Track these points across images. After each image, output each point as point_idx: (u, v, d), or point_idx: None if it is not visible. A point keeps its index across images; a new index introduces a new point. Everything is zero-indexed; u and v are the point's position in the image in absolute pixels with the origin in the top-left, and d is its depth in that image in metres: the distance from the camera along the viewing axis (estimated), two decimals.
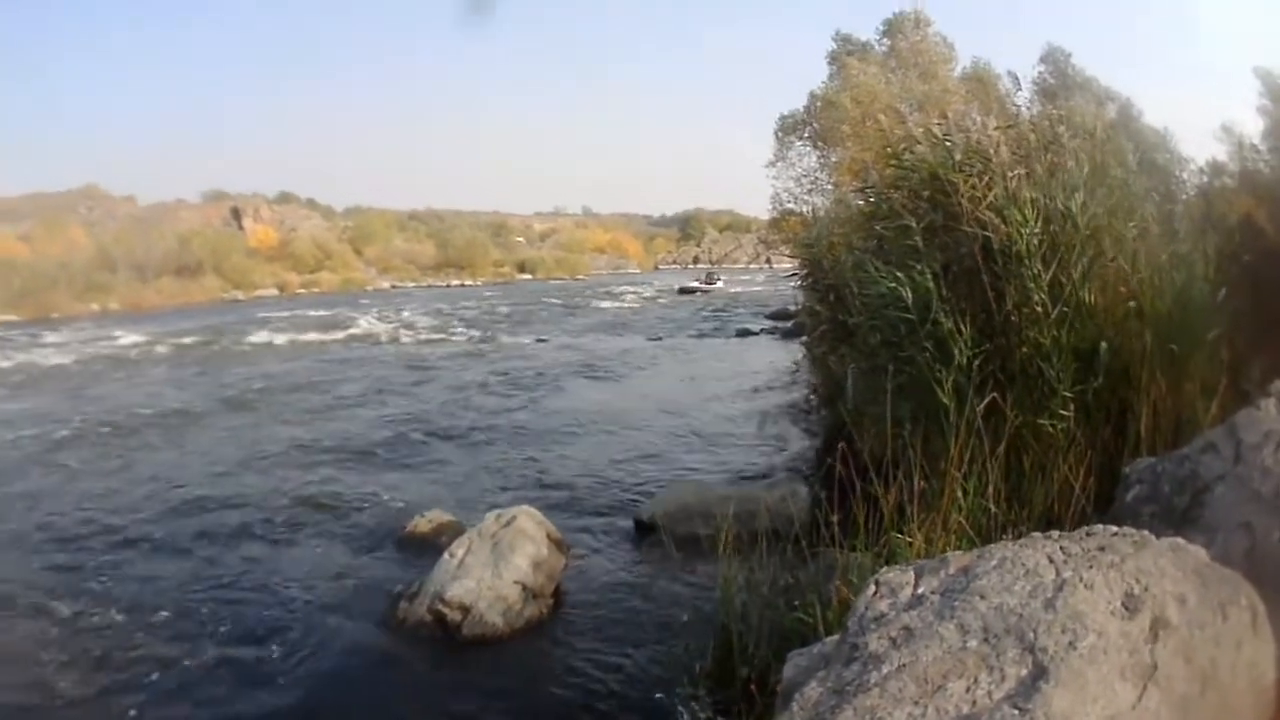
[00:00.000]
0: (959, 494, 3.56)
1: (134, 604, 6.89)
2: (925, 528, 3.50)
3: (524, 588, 6.16)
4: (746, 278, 66.09)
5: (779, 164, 15.17)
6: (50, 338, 32.07)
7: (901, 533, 3.56)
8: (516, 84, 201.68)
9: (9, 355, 26.38)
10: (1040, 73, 12.00)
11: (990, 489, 3.63)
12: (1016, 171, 4.89)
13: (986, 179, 4.88)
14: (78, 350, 27.54)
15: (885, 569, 2.24)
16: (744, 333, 27.67)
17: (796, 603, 3.74)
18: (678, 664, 4.67)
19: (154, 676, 5.73)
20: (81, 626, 6.52)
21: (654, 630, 5.86)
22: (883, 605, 2.09)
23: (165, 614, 6.67)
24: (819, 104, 14.66)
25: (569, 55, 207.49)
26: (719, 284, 53.44)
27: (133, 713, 5.26)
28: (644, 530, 7.83)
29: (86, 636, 6.33)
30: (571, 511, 8.71)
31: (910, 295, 4.78)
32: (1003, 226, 4.65)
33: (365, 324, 33.35)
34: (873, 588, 2.17)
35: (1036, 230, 4.58)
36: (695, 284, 53.13)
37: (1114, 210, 4.76)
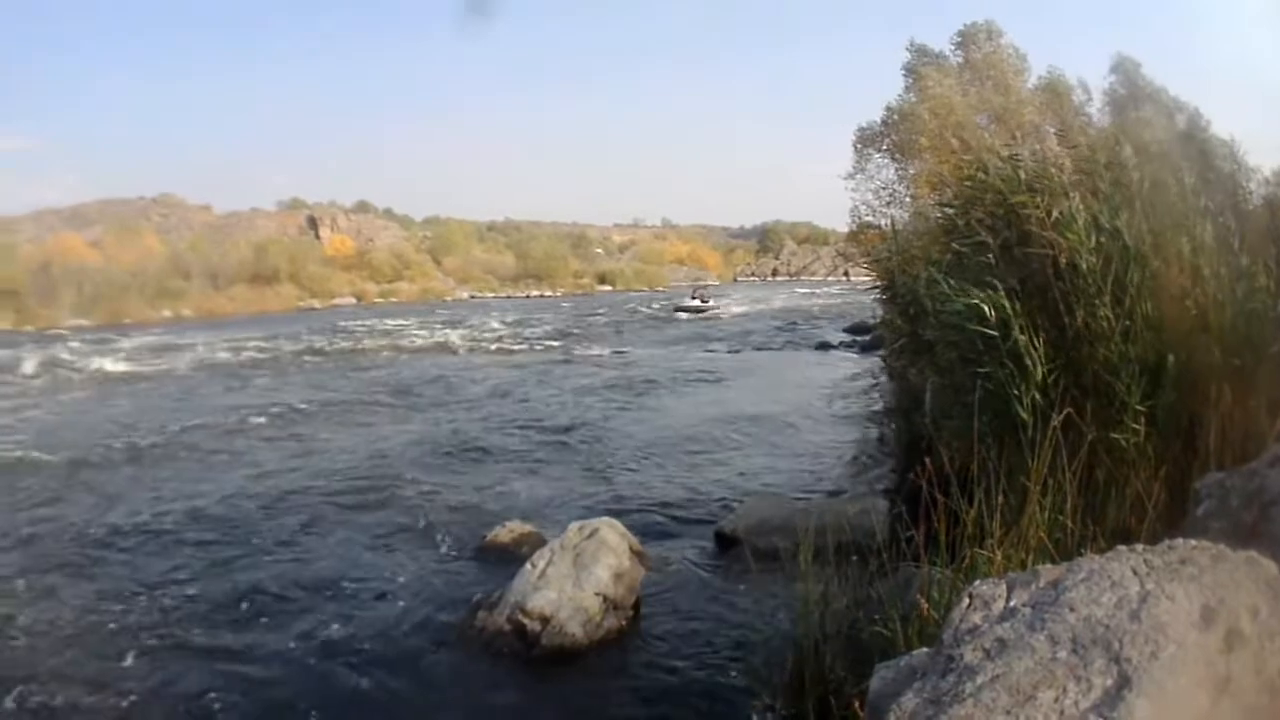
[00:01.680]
0: (1036, 509, 3.55)
1: (215, 600, 7.11)
2: (1005, 543, 3.50)
3: (604, 599, 6.14)
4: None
5: (857, 176, 15.08)
6: (124, 343, 32.95)
7: (981, 547, 3.56)
8: (594, 95, 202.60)
9: (89, 359, 27.30)
10: (1111, 83, 11.83)
11: (1068, 503, 3.61)
12: (1078, 190, 4.87)
13: (1049, 198, 4.87)
14: (157, 355, 28.49)
15: (979, 582, 2.24)
16: (823, 346, 27.47)
17: (876, 617, 3.75)
18: (755, 676, 4.69)
19: (227, 672, 5.90)
20: (161, 619, 6.74)
21: (732, 643, 5.84)
22: (976, 617, 2.11)
23: (244, 612, 6.89)
24: (896, 116, 14.59)
25: (647, 66, 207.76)
26: (710, 305, 46.94)
27: (205, 709, 5.39)
28: (724, 543, 7.83)
29: (166, 628, 6.55)
30: (652, 523, 8.74)
31: (991, 312, 4.77)
32: (1066, 244, 4.63)
33: (445, 334, 33.67)
34: (967, 600, 2.19)
35: (1093, 247, 4.55)
36: (694, 302, 47.93)
37: (1172, 225, 4.70)
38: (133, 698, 5.54)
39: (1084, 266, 4.52)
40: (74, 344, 32.71)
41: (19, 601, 7.02)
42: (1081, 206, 4.80)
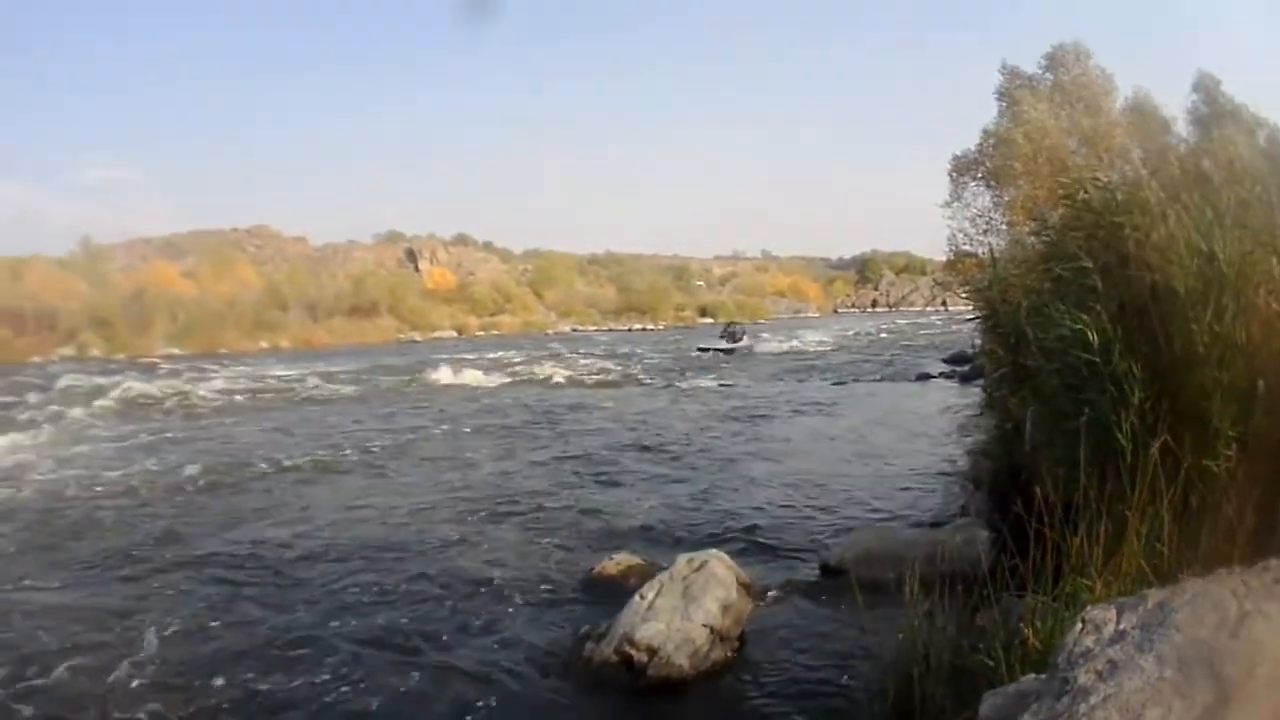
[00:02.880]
0: (1134, 536, 3.51)
1: (321, 622, 7.26)
2: (1105, 570, 3.47)
3: (711, 630, 6.12)
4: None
5: (954, 204, 14.93)
6: (228, 370, 34.08)
7: (1082, 575, 3.53)
8: (690, 125, 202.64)
9: (195, 385, 28.53)
10: (1194, 101, 11.56)
11: (1164, 529, 3.56)
12: (1172, 211, 4.80)
13: (1146, 220, 4.81)
14: (261, 383, 29.55)
15: (1091, 607, 2.33)
16: (923, 376, 27.16)
17: (979, 646, 3.73)
18: (858, 707, 4.68)
19: (331, 695, 6.01)
20: (271, 638, 6.93)
21: (836, 673, 5.83)
22: (1089, 640, 2.18)
23: (351, 633, 7.01)
24: (991, 141, 14.43)
25: (742, 96, 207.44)
26: (743, 343, 42.09)
27: None
28: (830, 574, 7.80)
29: (273, 647, 6.73)
30: (757, 553, 8.72)
31: (1094, 336, 4.72)
32: (1164, 267, 4.57)
33: (549, 366, 34.02)
34: (1080, 624, 2.27)
35: (1190, 269, 4.48)
36: (720, 343, 42.30)
37: (1259, 246, 4.60)
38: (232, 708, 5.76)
39: (1181, 290, 4.46)
40: (189, 372, 33.81)
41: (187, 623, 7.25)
42: (1180, 228, 4.74)
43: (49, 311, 53.62)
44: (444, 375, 30.23)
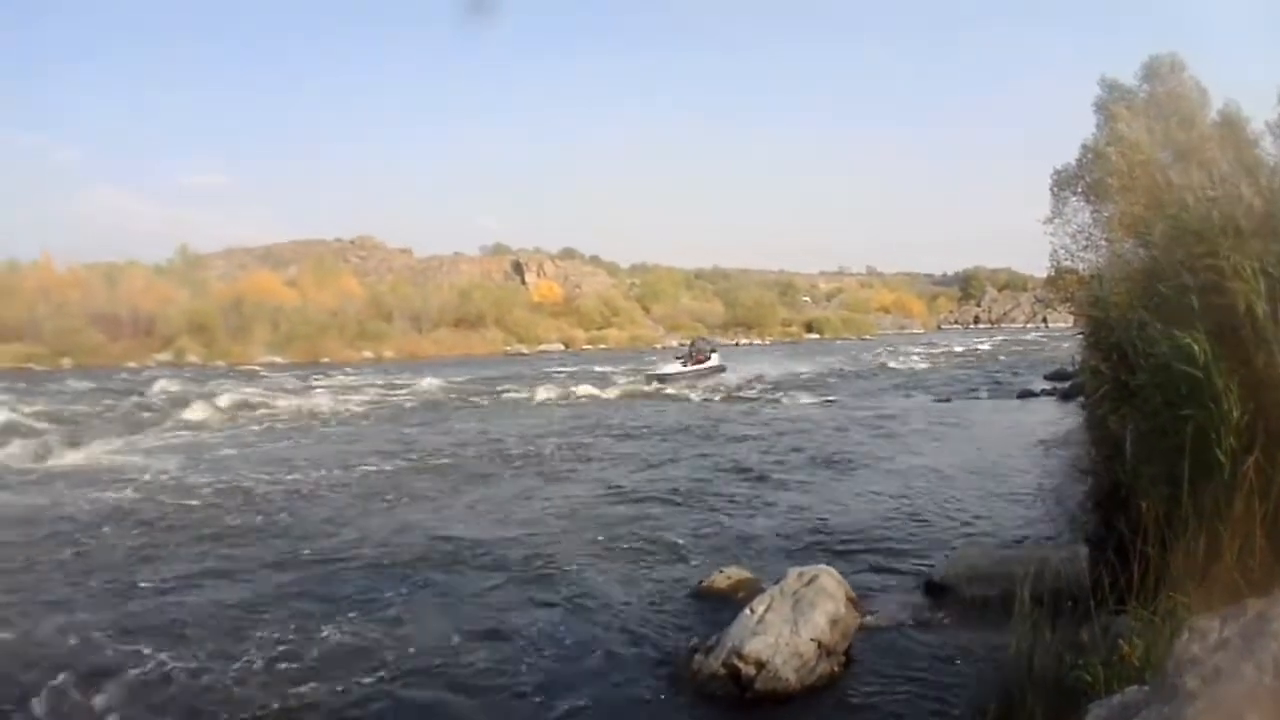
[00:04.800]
0: (1230, 551, 3.46)
1: (430, 625, 7.42)
2: (1204, 584, 3.42)
3: (819, 645, 6.06)
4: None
5: (1055, 220, 14.65)
6: (331, 379, 35.56)
7: (1180, 591, 3.49)
8: (794, 140, 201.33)
9: (302, 393, 29.72)
10: None
11: (1257, 545, 3.49)
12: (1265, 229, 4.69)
13: (1238, 240, 4.71)
14: (368, 392, 30.40)
15: (1196, 616, 2.36)
16: (1025, 394, 26.61)
17: (1080, 661, 3.70)
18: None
19: (438, 697, 6.14)
20: (369, 648, 7.03)
21: (939, 689, 5.76)
22: (1196, 648, 2.22)
23: (458, 636, 7.14)
24: (1089, 156, 14.14)
25: (845, 110, 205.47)
26: (712, 362, 35.66)
27: None
28: (934, 591, 7.72)
29: (373, 657, 6.82)
30: (863, 568, 8.63)
31: (1200, 353, 4.64)
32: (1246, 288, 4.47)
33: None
34: (1187, 633, 2.29)
35: (1262, 292, 4.37)
36: (672, 366, 34.99)
37: None
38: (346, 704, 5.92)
39: (1259, 311, 4.36)
40: (294, 380, 35.36)
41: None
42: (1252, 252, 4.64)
43: (145, 317, 55.10)
44: (554, 388, 30.63)
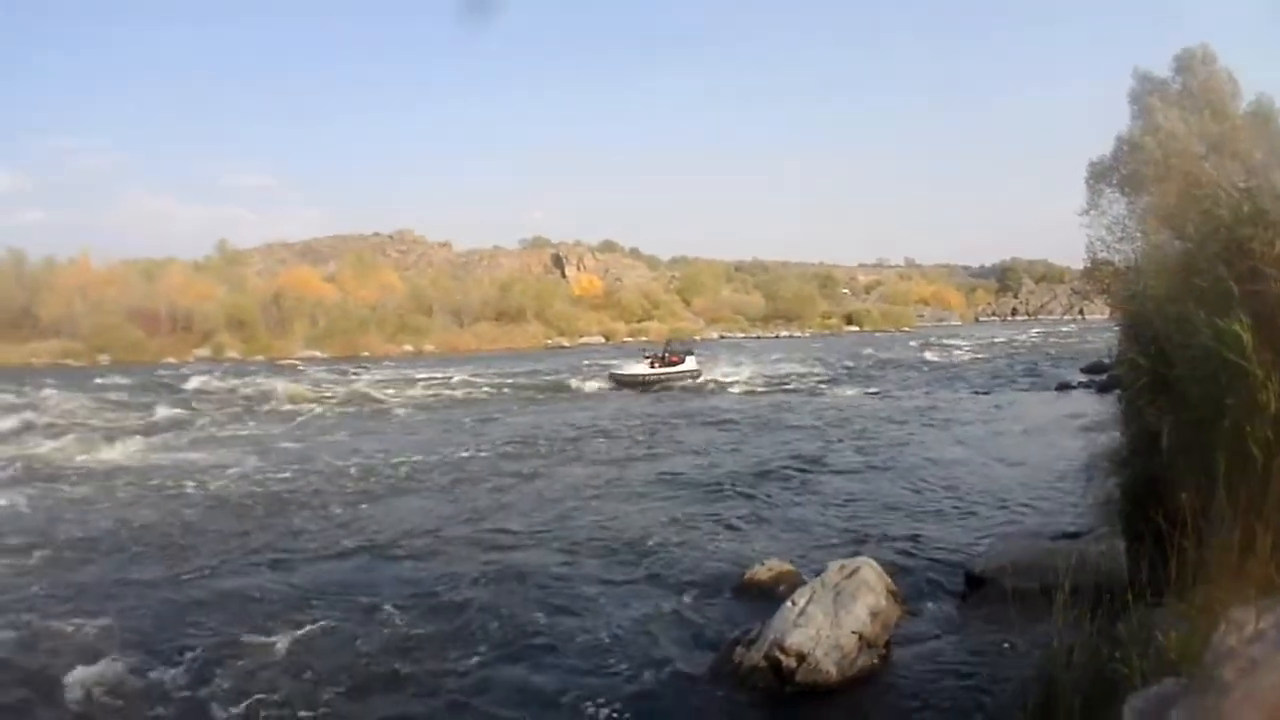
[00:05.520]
0: (1264, 545, 3.41)
1: (469, 621, 7.48)
2: (1239, 577, 3.37)
3: (860, 637, 6.03)
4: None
5: (1091, 212, 14.46)
6: (375, 373, 35.31)
7: (1216, 584, 3.44)
8: (833, 132, 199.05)
9: (347, 385, 29.92)
10: None
11: None
12: None
13: (1270, 232, 4.63)
14: (413, 385, 30.46)
15: (1232, 609, 2.34)
16: (1063, 386, 26.39)
17: (1116, 655, 3.67)
18: (1000, 715, 4.62)
19: (484, 682, 6.25)
20: (420, 636, 7.15)
21: (978, 681, 5.72)
22: (1232, 641, 2.21)
23: (504, 639, 7.12)
24: (1124, 148, 13.95)
25: (882, 102, 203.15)
26: (686, 366, 32.04)
27: None
28: (974, 583, 7.67)
29: (423, 647, 6.94)
30: (902, 560, 8.62)
31: (1242, 343, 4.57)
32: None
33: (707, 374, 33.66)
34: (1223, 626, 2.29)
35: None
36: (638, 367, 31.77)
37: None
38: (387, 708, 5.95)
39: None
40: (334, 374, 35.33)
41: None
42: None
43: (184, 313, 53.93)
44: (598, 381, 30.76)
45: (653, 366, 31.15)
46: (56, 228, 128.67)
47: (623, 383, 30.48)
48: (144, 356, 46.66)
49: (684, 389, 29.71)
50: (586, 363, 39.13)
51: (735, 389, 29.16)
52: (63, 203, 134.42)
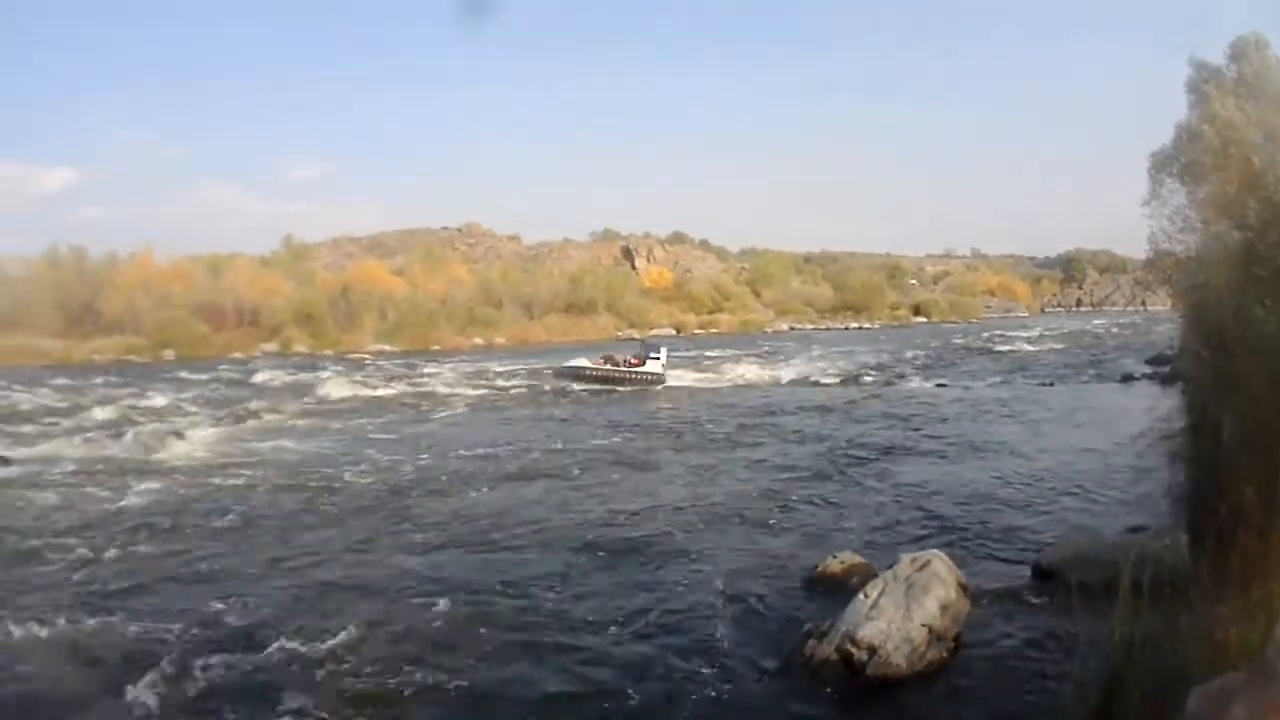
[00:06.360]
0: None
1: (549, 605, 7.60)
2: None
3: (930, 630, 5.97)
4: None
5: (1152, 202, 14.13)
6: (448, 365, 35.29)
7: (1276, 578, 3.38)
8: (896, 122, 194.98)
9: (426, 379, 29.91)
10: None
11: None
12: None
13: None
14: (487, 377, 30.51)
15: None
16: (1127, 377, 25.79)
17: (1179, 648, 3.63)
18: (1065, 709, 4.56)
19: (563, 670, 6.29)
20: (503, 613, 7.32)
21: (1044, 675, 5.64)
22: None
23: (577, 619, 7.27)
24: (1184, 137, 13.60)
25: (952, 97, 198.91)
26: (650, 368, 28.82)
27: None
28: (1041, 575, 7.58)
29: (499, 631, 7.02)
30: (969, 553, 8.54)
31: None
32: None
33: (769, 366, 33.84)
34: None
35: None
36: (584, 364, 29.34)
37: None
38: (482, 694, 6.01)
39: None
40: (406, 367, 35.40)
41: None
42: None
43: (251, 308, 52.56)
44: (672, 375, 30.19)
45: (605, 365, 28.94)
46: (116, 224, 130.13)
47: (573, 375, 28.78)
48: (209, 351, 46.09)
49: (756, 381, 29.43)
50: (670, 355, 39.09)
51: (809, 381, 28.98)
52: (122, 199, 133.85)
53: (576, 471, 13.86)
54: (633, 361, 28.90)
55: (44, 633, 7.19)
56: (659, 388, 28.00)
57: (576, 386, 27.60)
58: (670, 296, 73.63)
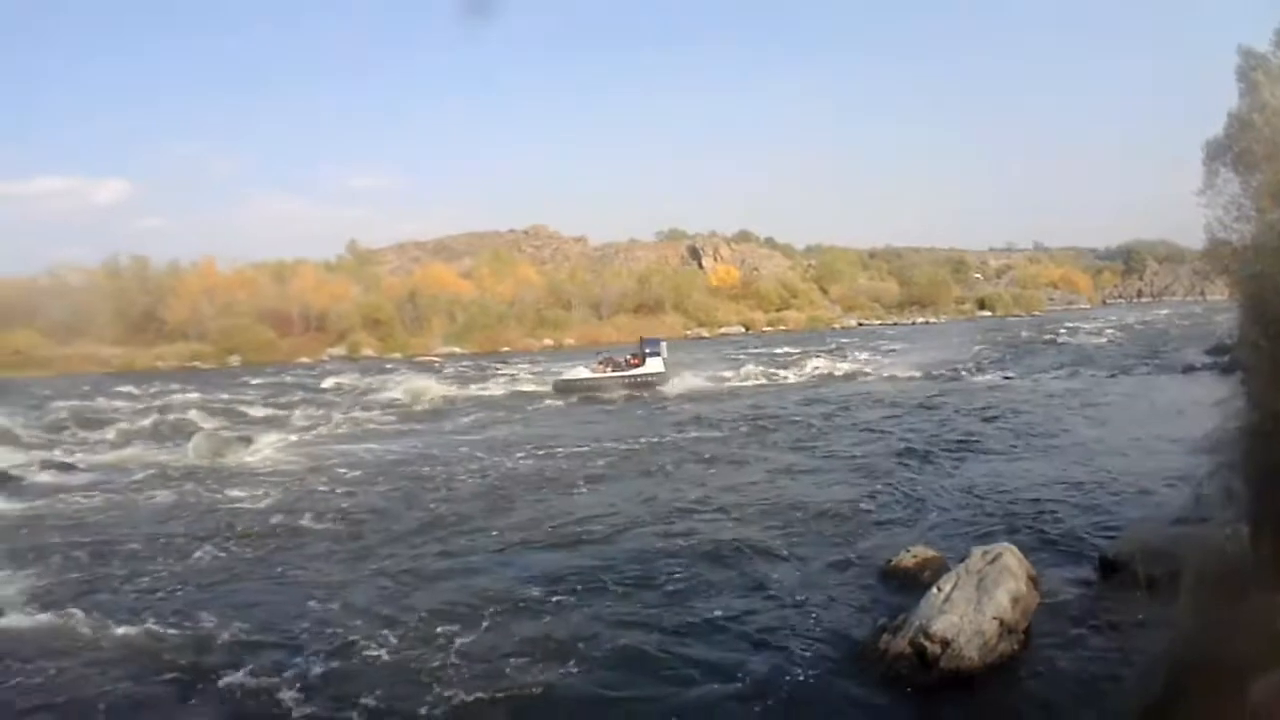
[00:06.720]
0: None
1: (632, 603, 7.69)
2: None
3: (1001, 623, 5.98)
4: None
5: (1207, 192, 13.89)
6: (523, 368, 35.14)
7: None
8: (955, 115, 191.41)
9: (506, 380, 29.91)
10: None
11: None
12: None
13: None
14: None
15: None
16: (1188, 368, 25.19)
17: (1240, 638, 3.64)
18: (1131, 697, 4.57)
19: (633, 668, 6.36)
20: (579, 620, 7.33)
21: (1111, 665, 5.65)
22: None
23: (653, 616, 7.35)
24: (1236, 125, 13.37)
25: (1011, 91, 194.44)
26: (652, 367, 27.15)
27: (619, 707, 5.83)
28: (1107, 568, 7.57)
29: (580, 628, 7.13)
30: (1038, 546, 8.47)
31: None
32: None
33: (838, 361, 33.79)
34: None
35: None
36: (576, 372, 27.78)
37: None
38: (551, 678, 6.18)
39: None
40: (477, 369, 35.56)
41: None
42: None
43: (317, 313, 53.18)
44: (742, 371, 30.35)
45: (607, 370, 27.11)
46: (175, 234, 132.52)
47: (567, 388, 26.56)
48: (275, 356, 46.42)
49: (826, 375, 29.34)
50: (729, 353, 39.41)
51: (880, 376, 28.93)
52: (181, 209, 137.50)
53: (657, 468, 14.02)
54: (632, 361, 27.37)
55: (126, 632, 7.36)
56: (666, 384, 26.68)
57: (575, 398, 25.66)
58: (738, 295, 73.47)
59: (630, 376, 26.74)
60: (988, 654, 5.82)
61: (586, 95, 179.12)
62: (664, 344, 28.86)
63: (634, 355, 27.73)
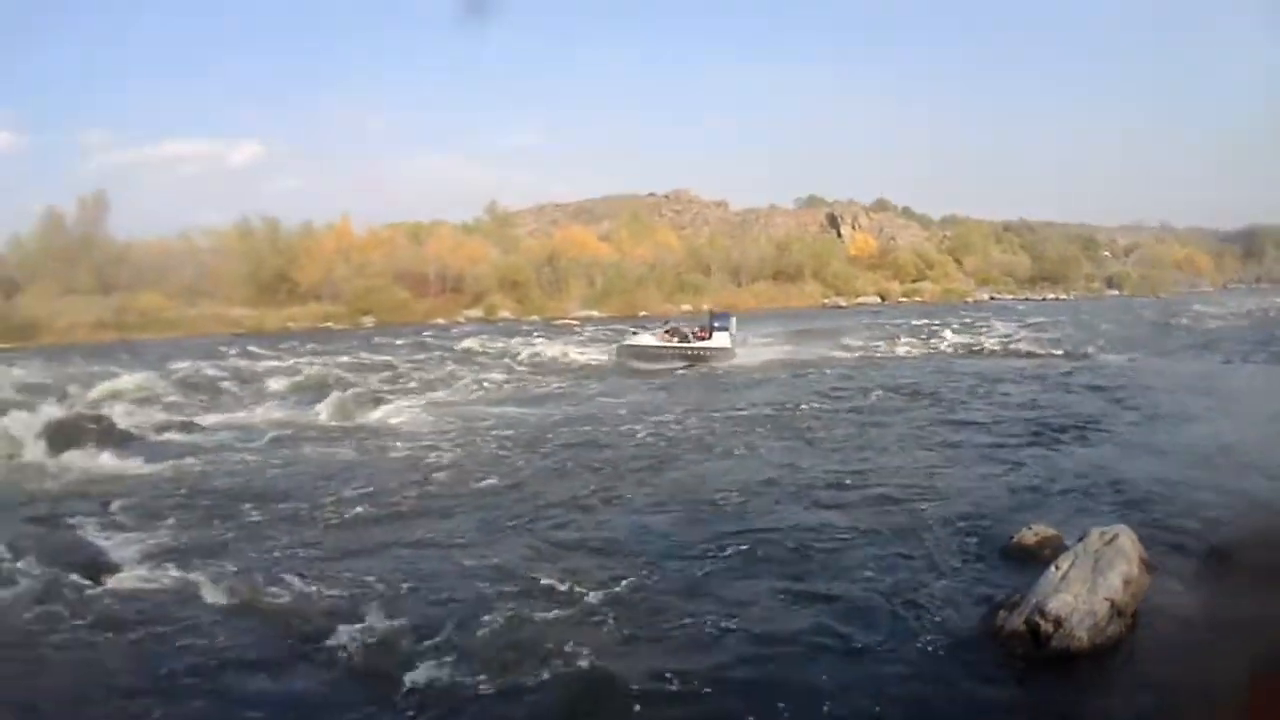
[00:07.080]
0: None
1: (748, 572, 7.81)
2: None
3: (1112, 605, 5.94)
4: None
5: None
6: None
7: None
8: (1090, 85, 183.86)
9: None
10: None
11: None
12: None
13: None
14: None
15: None
16: None
17: None
18: (1233, 687, 4.76)
19: (759, 642, 6.37)
20: (705, 592, 7.40)
21: (1216, 654, 5.57)
22: None
23: (776, 585, 7.44)
24: None
25: (1139, 68, 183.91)
26: (717, 341, 26.36)
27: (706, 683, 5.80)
28: (1218, 554, 7.53)
29: (696, 600, 7.20)
30: (1152, 528, 8.36)
31: None
32: None
33: (973, 335, 33.97)
34: None
35: None
36: (643, 338, 27.51)
37: None
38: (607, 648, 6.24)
39: None
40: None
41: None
42: None
43: (454, 275, 51.86)
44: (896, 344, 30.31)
45: (672, 339, 26.56)
46: (311, 195, 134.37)
47: (635, 354, 26.40)
48: (410, 318, 45.44)
49: (959, 351, 29.36)
50: (875, 323, 39.22)
51: (1010, 351, 29.13)
52: (318, 171, 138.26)
53: (795, 431, 14.46)
54: (699, 334, 26.71)
55: (251, 593, 7.44)
56: (728, 360, 25.85)
57: (640, 366, 25.44)
58: (875, 264, 71.94)
59: (695, 349, 26.19)
60: (1097, 635, 5.86)
61: (729, 60, 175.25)
62: (733, 319, 28.35)
63: (702, 328, 27.19)
